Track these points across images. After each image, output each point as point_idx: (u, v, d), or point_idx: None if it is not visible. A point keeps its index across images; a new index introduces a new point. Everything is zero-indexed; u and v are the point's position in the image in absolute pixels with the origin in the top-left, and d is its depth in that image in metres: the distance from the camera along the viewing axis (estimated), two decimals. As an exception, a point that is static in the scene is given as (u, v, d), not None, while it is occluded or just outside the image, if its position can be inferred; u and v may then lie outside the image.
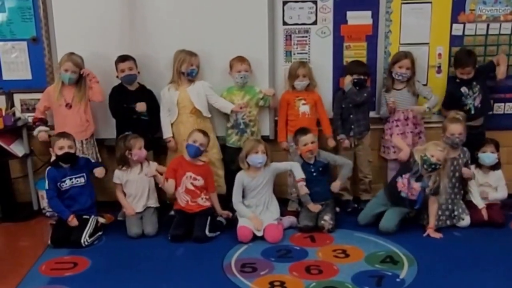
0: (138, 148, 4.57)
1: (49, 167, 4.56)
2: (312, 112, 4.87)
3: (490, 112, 5.05)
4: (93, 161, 4.71)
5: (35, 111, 4.99)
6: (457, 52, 4.89)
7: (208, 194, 4.63)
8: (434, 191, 4.40)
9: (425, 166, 4.33)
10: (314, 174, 4.63)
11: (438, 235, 4.41)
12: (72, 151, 4.47)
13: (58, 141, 4.43)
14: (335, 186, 4.65)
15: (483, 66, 4.92)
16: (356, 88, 4.80)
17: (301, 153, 4.63)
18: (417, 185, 4.41)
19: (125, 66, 4.71)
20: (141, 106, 4.74)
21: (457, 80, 4.87)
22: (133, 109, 4.73)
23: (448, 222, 4.56)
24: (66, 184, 4.50)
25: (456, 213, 4.58)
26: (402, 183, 4.48)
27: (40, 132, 4.74)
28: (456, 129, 4.54)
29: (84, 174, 4.56)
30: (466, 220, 4.55)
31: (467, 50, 4.86)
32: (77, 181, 4.53)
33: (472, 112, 4.86)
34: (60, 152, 4.43)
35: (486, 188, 4.71)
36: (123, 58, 4.73)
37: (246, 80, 4.82)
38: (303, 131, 4.61)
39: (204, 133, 4.55)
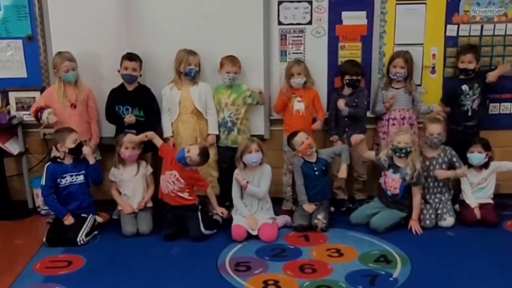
0: (124, 147, 4.58)
1: (49, 163, 4.57)
2: (308, 111, 4.87)
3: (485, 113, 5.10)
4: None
5: (30, 109, 5.00)
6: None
7: (192, 192, 4.59)
8: (416, 179, 4.49)
9: (397, 154, 4.49)
10: (317, 173, 4.65)
11: (418, 230, 4.47)
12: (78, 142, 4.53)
13: (71, 135, 4.45)
14: (343, 170, 4.67)
15: (485, 71, 4.94)
16: (350, 89, 4.82)
17: (302, 154, 4.64)
18: (395, 176, 4.52)
19: (130, 65, 4.69)
20: (129, 118, 4.72)
21: (461, 77, 4.88)
22: (132, 99, 4.73)
23: (433, 222, 4.59)
24: (66, 180, 4.50)
25: (439, 212, 4.61)
26: (383, 181, 4.60)
27: (50, 115, 4.58)
28: (435, 129, 4.58)
29: (84, 171, 4.57)
30: (448, 221, 4.57)
31: (471, 44, 4.91)
32: (77, 178, 4.53)
33: (469, 114, 4.88)
34: (73, 145, 4.44)
35: (482, 184, 4.75)
36: (130, 57, 4.70)
37: (234, 82, 4.81)
38: (293, 134, 4.64)
39: (202, 153, 4.45)
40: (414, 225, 4.49)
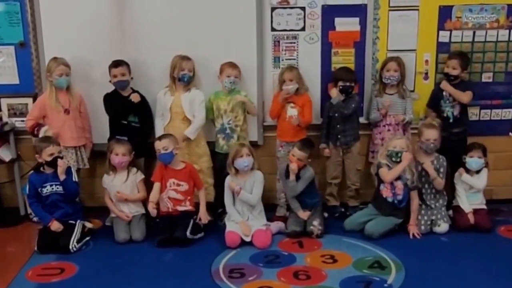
0: (115, 153, 4.57)
1: (31, 172, 4.57)
2: (301, 117, 4.84)
3: (477, 119, 5.11)
4: (74, 173, 4.59)
5: (22, 116, 5.00)
6: None
7: (192, 199, 4.61)
8: (416, 183, 4.53)
9: (393, 159, 4.50)
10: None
11: (417, 234, 4.49)
12: (60, 155, 4.47)
13: (48, 148, 4.40)
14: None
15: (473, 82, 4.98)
16: (343, 96, 4.81)
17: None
18: (398, 183, 4.52)
19: (118, 72, 4.69)
20: (135, 97, 4.72)
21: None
22: (128, 104, 4.71)
23: (428, 228, 4.60)
24: (47, 190, 4.47)
25: (434, 218, 4.62)
26: (386, 188, 4.58)
27: (46, 132, 4.62)
28: (432, 134, 4.60)
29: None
30: (442, 227, 4.58)
31: (461, 51, 4.93)
32: (57, 188, 4.48)
33: (451, 120, 4.88)
34: (49, 158, 4.41)
35: (475, 188, 4.75)
36: (116, 64, 4.70)
37: (234, 86, 4.81)
38: (302, 144, 4.59)
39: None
40: (413, 229, 4.51)
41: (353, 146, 4.95)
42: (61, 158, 4.46)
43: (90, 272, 4.04)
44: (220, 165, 4.88)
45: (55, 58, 4.69)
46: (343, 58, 4.98)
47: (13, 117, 5.06)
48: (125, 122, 4.78)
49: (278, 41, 4.97)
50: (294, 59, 4.99)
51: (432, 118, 4.81)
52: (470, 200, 4.73)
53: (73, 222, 4.48)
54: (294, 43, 4.97)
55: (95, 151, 4.98)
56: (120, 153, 4.57)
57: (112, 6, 4.84)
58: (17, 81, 5.03)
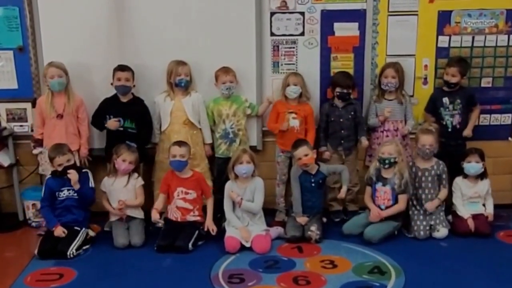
0: (122, 159, 4.56)
1: (48, 176, 4.57)
2: (302, 127, 4.85)
3: (476, 124, 5.09)
4: (91, 179, 4.62)
5: (20, 121, 5.02)
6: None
7: (200, 208, 4.62)
8: (403, 187, 4.53)
9: (382, 165, 4.54)
10: (313, 185, 4.63)
11: (373, 218, 4.52)
12: (71, 162, 4.49)
13: (56, 159, 4.43)
14: (343, 192, 4.64)
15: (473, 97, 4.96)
16: (342, 102, 4.84)
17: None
18: (386, 189, 4.57)
19: (122, 76, 4.68)
20: (111, 124, 4.72)
21: (444, 89, 4.91)
22: (122, 110, 4.73)
23: (427, 233, 4.59)
24: (64, 194, 4.49)
25: (432, 223, 4.61)
26: (376, 196, 4.63)
27: (41, 154, 4.75)
28: (427, 140, 4.60)
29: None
30: (441, 232, 4.57)
31: (460, 56, 4.92)
32: (75, 193, 4.50)
33: (449, 129, 4.89)
34: (59, 169, 4.44)
35: (475, 199, 4.74)
36: (122, 68, 4.70)
37: (232, 91, 4.81)
38: (295, 144, 4.61)
39: (180, 144, 4.52)
40: (373, 213, 4.54)
41: (354, 150, 4.97)
42: (72, 166, 4.48)
43: (89, 277, 4.02)
44: (220, 169, 4.89)
45: (49, 63, 4.69)
46: (342, 63, 4.98)
47: (11, 122, 5.05)
48: (121, 129, 4.76)
49: (278, 46, 4.97)
50: (293, 64, 4.99)
51: (429, 123, 4.81)
52: (470, 208, 4.71)
53: (78, 229, 4.48)
54: (294, 48, 4.97)
55: (94, 156, 4.96)
56: (128, 160, 4.57)
57: (111, 10, 4.84)
58: (15, 86, 5.02)
